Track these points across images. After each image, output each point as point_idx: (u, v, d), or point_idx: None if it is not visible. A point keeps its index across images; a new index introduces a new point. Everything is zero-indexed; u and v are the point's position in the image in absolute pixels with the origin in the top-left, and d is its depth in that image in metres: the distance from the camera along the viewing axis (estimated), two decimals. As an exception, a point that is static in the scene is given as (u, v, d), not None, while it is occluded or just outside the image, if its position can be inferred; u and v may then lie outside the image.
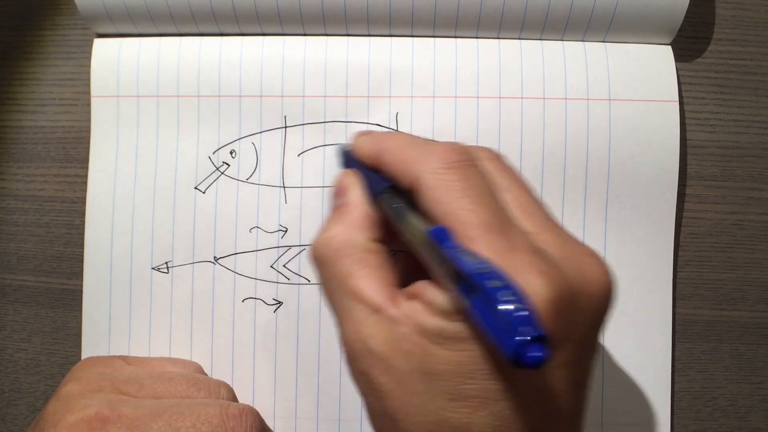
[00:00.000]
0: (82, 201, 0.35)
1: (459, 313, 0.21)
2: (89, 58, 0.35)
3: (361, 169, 0.28)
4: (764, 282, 0.35)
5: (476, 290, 0.20)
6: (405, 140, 0.27)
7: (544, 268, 0.22)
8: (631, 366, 0.34)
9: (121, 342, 0.34)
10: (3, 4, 0.37)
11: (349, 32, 0.34)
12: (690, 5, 0.32)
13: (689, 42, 0.35)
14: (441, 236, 0.22)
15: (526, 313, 0.19)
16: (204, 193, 0.34)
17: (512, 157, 0.33)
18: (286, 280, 0.34)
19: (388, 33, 0.34)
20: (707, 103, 0.35)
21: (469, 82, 0.34)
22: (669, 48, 0.34)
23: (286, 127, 0.34)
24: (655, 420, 0.34)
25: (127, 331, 0.34)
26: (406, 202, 0.26)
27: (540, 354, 0.18)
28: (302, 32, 0.34)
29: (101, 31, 0.35)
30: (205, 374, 0.34)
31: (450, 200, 0.23)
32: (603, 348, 0.34)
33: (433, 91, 0.34)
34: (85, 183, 0.35)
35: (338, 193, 0.28)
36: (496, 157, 0.27)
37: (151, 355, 0.34)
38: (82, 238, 0.35)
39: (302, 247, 0.34)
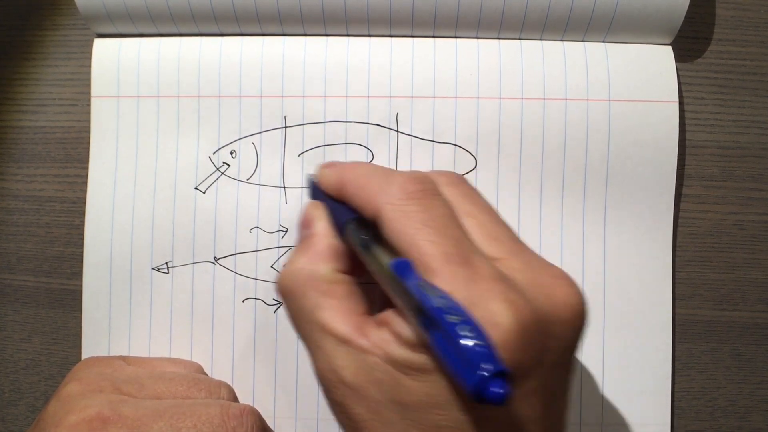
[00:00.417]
0: (82, 201, 0.35)
1: (424, 345, 0.21)
2: (89, 58, 0.35)
3: (327, 200, 0.29)
4: (764, 282, 0.35)
5: (437, 325, 0.20)
6: (366, 171, 0.27)
7: (509, 296, 0.21)
8: (631, 366, 0.34)
9: (121, 342, 0.34)
10: (3, 4, 0.36)
11: (349, 32, 0.34)
12: (690, 5, 0.32)
13: (689, 42, 0.35)
14: (403, 270, 0.22)
15: (485, 349, 0.19)
16: (204, 193, 0.34)
17: (512, 157, 0.34)
18: (286, 280, 0.34)
19: (388, 33, 0.34)
20: (707, 103, 0.35)
21: (469, 82, 0.34)
22: (669, 48, 0.34)
23: (286, 127, 0.34)
24: (655, 420, 0.34)
25: (127, 331, 0.34)
26: (370, 233, 0.26)
27: (501, 390, 0.18)
28: (302, 32, 0.34)
29: (101, 31, 0.35)
30: (206, 374, 0.34)
31: (411, 232, 0.23)
32: (603, 348, 0.34)
33: (434, 91, 0.34)
34: (85, 183, 0.35)
35: (304, 225, 0.28)
36: (459, 182, 0.27)
37: (152, 355, 0.34)
38: (82, 238, 0.35)
39: (302, 248, 0.34)
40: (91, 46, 0.35)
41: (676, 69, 0.34)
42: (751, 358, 0.35)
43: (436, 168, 0.34)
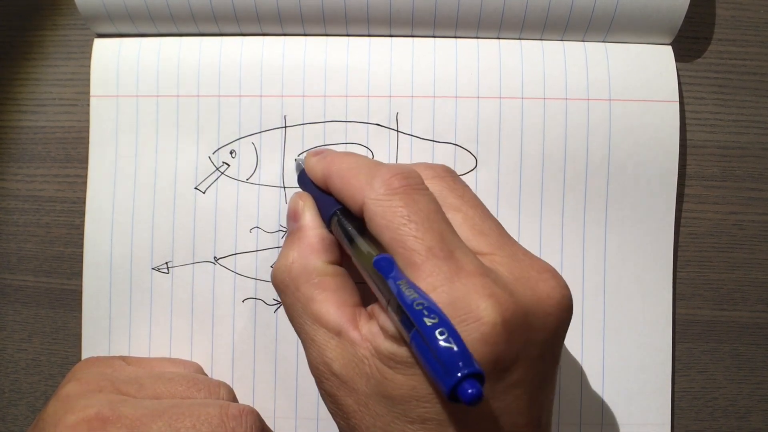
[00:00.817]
0: (82, 201, 0.35)
1: (406, 340, 0.22)
2: (89, 58, 0.35)
3: (314, 189, 0.29)
4: (764, 282, 0.35)
5: (414, 326, 0.20)
6: (352, 163, 0.27)
7: (493, 290, 0.22)
8: (631, 366, 0.34)
9: (121, 342, 0.34)
10: (3, 4, 0.36)
11: (349, 32, 0.34)
12: (690, 5, 0.32)
13: (689, 42, 0.35)
14: (385, 266, 0.23)
15: (459, 351, 0.20)
16: (204, 193, 0.34)
17: (512, 157, 0.34)
18: (286, 280, 0.34)
19: (388, 33, 0.34)
20: (707, 103, 0.35)
21: (469, 82, 0.34)
22: (669, 48, 0.34)
23: (286, 126, 0.34)
24: (655, 420, 0.34)
25: (127, 331, 0.34)
26: (356, 225, 0.26)
27: (474, 391, 0.19)
28: (302, 32, 0.34)
29: (101, 31, 0.35)
30: (205, 374, 0.34)
31: (395, 227, 0.23)
32: (603, 348, 0.34)
33: (434, 91, 0.34)
34: (85, 183, 0.35)
35: (292, 217, 0.29)
36: (446, 175, 0.27)
37: (151, 355, 0.34)
38: (82, 239, 0.35)
39: (302, 247, 0.34)
40: (91, 46, 0.35)
41: (676, 69, 0.34)
42: (751, 358, 0.35)
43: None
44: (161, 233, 0.34)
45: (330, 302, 0.25)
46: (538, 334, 0.23)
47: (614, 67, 0.34)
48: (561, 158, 0.34)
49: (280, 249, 0.27)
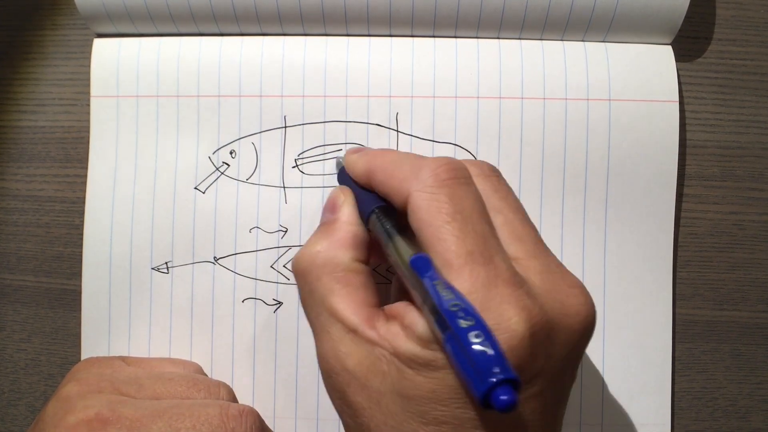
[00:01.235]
0: (82, 201, 0.35)
1: (436, 341, 0.21)
2: (89, 58, 0.35)
3: (354, 186, 0.28)
4: (764, 282, 0.35)
5: (450, 328, 0.20)
6: (396, 157, 0.27)
7: (525, 302, 0.22)
8: (631, 366, 0.34)
9: (121, 342, 0.34)
10: (3, 4, 0.36)
11: (349, 32, 0.34)
12: (690, 5, 0.32)
13: (689, 42, 0.35)
14: (422, 266, 0.23)
15: (495, 356, 0.19)
16: (204, 193, 0.34)
17: (512, 157, 0.33)
18: (286, 280, 0.34)
19: (388, 33, 0.34)
20: (707, 103, 0.35)
21: (469, 82, 0.34)
22: (669, 48, 0.34)
23: (286, 127, 0.34)
24: (655, 420, 0.34)
25: (127, 331, 0.34)
26: (394, 223, 0.26)
27: (508, 398, 0.19)
28: (302, 32, 0.34)
29: (101, 31, 0.35)
30: (205, 374, 0.34)
31: (437, 224, 0.23)
32: (603, 348, 0.34)
33: (434, 91, 0.34)
34: (84, 183, 0.35)
35: (329, 209, 0.28)
36: (492, 174, 0.26)
37: (151, 356, 0.34)
38: (82, 239, 0.35)
39: (302, 248, 0.34)
40: (91, 46, 0.35)
41: (676, 69, 0.34)
42: (751, 358, 0.35)
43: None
44: (161, 233, 0.34)
45: (350, 298, 0.25)
46: (561, 349, 0.23)
47: (614, 67, 0.34)
48: (561, 158, 0.34)
49: (310, 236, 0.27)
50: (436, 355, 0.21)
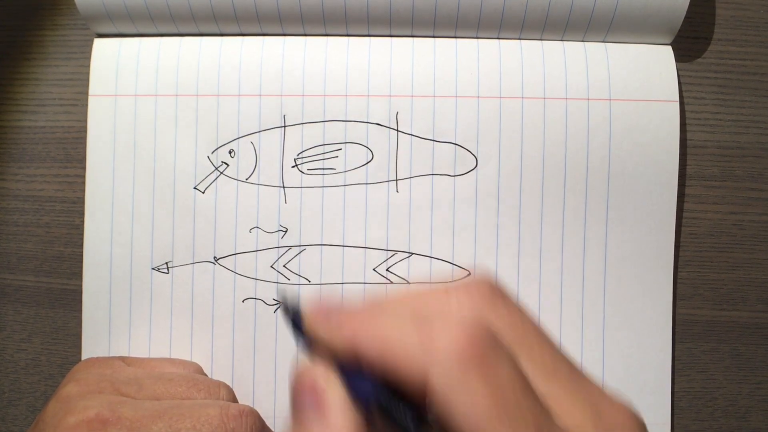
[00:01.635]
0: (82, 201, 0.35)
1: None
2: (89, 58, 0.35)
3: (328, 359, 0.21)
4: (764, 282, 0.35)
5: None
6: (392, 324, 0.20)
7: None
8: (631, 366, 0.34)
9: (121, 342, 0.34)
10: (3, 4, 0.36)
11: (349, 32, 0.34)
12: (690, 5, 0.32)
13: (689, 42, 0.35)
14: None
15: None
16: (203, 193, 0.34)
17: (513, 157, 0.33)
18: (286, 280, 0.34)
19: (388, 33, 0.34)
20: (707, 103, 0.35)
21: (469, 81, 0.34)
22: (669, 48, 0.34)
23: (285, 126, 0.34)
24: (655, 420, 0.34)
25: (127, 331, 0.34)
26: (411, 411, 0.20)
27: None
28: (302, 32, 0.34)
29: (101, 31, 0.35)
30: (205, 374, 0.34)
31: (476, 420, 0.18)
32: (603, 348, 0.34)
33: (434, 90, 0.34)
34: (84, 183, 0.35)
35: (312, 404, 0.21)
36: (517, 321, 0.21)
37: (151, 356, 0.34)
38: (82, 238, 0.35)
39: (302, 248, 0.34)
40: (91, 46, 0.35)
41: (676, 69, 0.34)
42: (751, 358, 0.35)
43: (436, 167, 0.34)
44: (161, 233, 0.34)
45: None
46: None
47: (614, 67, 0.34)
48: (561, 158, 0.34)
49: (294, 425, 0.22)
50: None
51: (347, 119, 0.34)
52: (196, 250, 0.34)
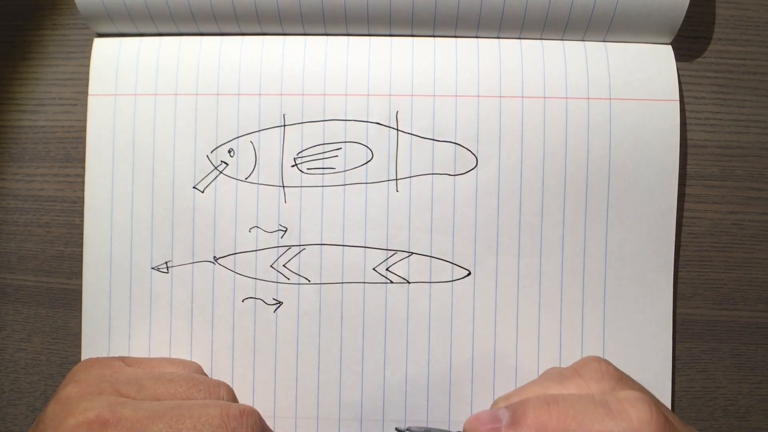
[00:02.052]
0: (82, 201, 0.35)
1: None
2: (89, 58, 0.35)
3: None
4: (764, 282, 0.35)
5: None
6: None
7: None
8: (631, 366, 0.34)
9: (121, 342, 0.34)
10: (3, 4, 0.36)
11: (349, 32, 0.34)
12: (690, 5, 0.32)
13: (689, 42, 0.35)
14: None
15: None
16: (203, 192, 0.34)
17: (513, 156, 0.33)
18: (286, 280, 0.34)
19: (388, 32, 0.34)
20: (707, 103, 0.35)
21: (469, 80, 0.34)
22: (669, 47, 0.34)
23: (285, 125, 0.34)
24: (654, 420, 0.34)
25: (127, 331, 0.34)
26: None
27: None
28: (302, 32, 0.34)
29: (101, 30, 0.35)
30: (205, 374, 0.34)
31: None
32: (603, 348, 0.34)
33: (434, 89, 0.34)
34: (84, 183, 0.35)
35: None
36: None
37: (151, 356, 0.34)
38: (82, 238, 0.35)
39: (302, 247, 0.34)
40: (90, 45, 0.35)
41: (677, 68, 0.34)
42: (751, 358, 0.35)
43: (436, 166, 0.34)
44: (160, 233, 0.34)
45: None
46: None
47: (614, 67, 0.34)
48: (561, 157, 0.34)
49: None
50: None
51: (347, 118, 0.34)
52: (195, 249, 0.34)
